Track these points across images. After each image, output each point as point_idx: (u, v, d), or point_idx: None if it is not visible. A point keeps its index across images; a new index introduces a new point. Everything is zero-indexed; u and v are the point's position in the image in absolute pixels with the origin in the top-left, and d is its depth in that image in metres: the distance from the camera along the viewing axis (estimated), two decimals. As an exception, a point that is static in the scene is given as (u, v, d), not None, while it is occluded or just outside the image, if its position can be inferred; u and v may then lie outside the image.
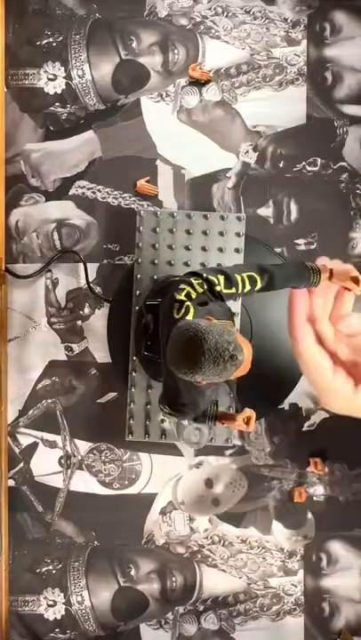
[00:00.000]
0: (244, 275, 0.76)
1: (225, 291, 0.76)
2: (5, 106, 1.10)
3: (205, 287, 0.75)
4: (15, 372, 1.10)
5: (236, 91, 1.10)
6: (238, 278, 0.76)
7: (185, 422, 0.94)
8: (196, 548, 1.10)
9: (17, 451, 1.10)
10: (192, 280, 0.75)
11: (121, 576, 1.10)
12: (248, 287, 0.76)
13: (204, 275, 0.76)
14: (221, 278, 0.76)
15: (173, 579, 1.10)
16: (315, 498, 1.09)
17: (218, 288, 0.75)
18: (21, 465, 1.10)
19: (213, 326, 0.67)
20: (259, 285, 0.76)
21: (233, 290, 0.76)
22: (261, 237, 1.06)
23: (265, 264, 0.80)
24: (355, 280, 0.75)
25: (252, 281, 0.76)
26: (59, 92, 1.10)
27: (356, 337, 0.46)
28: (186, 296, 0.74)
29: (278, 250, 1.08)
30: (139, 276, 1.02)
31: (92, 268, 1.10)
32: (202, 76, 1.06)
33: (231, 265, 0.81)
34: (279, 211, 1.10)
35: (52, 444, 1.10)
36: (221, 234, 1.02)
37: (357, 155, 1.09)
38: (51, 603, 1.11)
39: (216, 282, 0.75)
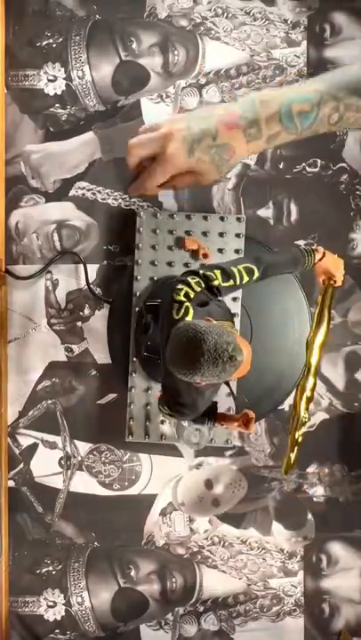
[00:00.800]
0: (240, 267, 0.77)
1: (223, 284, 0.76)
2: (5, 107, 1.10)
3: (203, 285, 0.76)
4: (15, 374, 1.10)
5: (236, 92, 1.10)
6: (235, 270, 0.77)
7: (185, 423, 0.95)
8: (196, 549, 1.10)
9: (17, 451, 1.10)
10: (189, 279, 0.75)
11: (121, 577, 1.10)
12: (246, 278, 0.77)
13: (201, 272, 0.76)
14: (218, 272, 0.76)
15: (173, 579, 1.10)
16: (315, 499, 1.09)
17: (216, 282, 0.76)
18: (21, 466, 1.10)
19: (213, 327, 0.67)
20: (256, 275, 0.77)
21: (231, 282, 0.77)
22: (261, 238, 1.06)
23: (260, 254, 0.81)
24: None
25: (249, 272, 0.77)
26: (59, 93, 1.10)
27: None
28: (185, 296, 0.74)
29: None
30: (139, 276, 1.02)
31: (92, 268, 1.10)
32: (199, 248, 1.02)
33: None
34: (279, 212, 1.10)
35: (52, 445, 1.10)
36: (221, 235, 1.02)
37: (357, 156, 1.09)
38: (51, 604, 1.11)
39: (213, 277, 0.76)
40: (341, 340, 1.10)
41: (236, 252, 1.03)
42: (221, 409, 0.95)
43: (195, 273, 0.77)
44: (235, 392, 0.99)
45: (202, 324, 0.67)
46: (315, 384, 0.93)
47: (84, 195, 1.11)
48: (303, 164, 1.10)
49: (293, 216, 1.10)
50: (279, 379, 1.04)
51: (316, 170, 1.10)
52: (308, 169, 1.10)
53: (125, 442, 1.00)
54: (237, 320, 1.01)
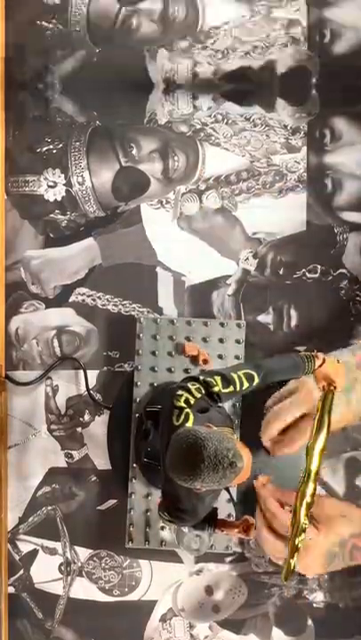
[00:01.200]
0: (240, 372, 0.77)
1: (224, 390, 0.76)
2: (5, 213, 1.10)
3: (203, 391, 0.76)
4: (15, 479, 1.10)
5: (236, 198, 1.10)
6: (235, 376, 0.77)
7: (185, 529, 0.95)
8: (197, 648, 1.10)
9: (17, 557, 1.10)
10: (189, 385, 0.76)
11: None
12: (246, 384, 0.77)
13: (201, 378, 0.76)
14: (218, 379, 0.76)
15: None
16: (315, 604, 1.09)
17: (216, 389, 0.76)
18: (21, 572, 1.10)
19: (213, 433, 0.68)
20: (256, 380, 0.77)
21: (231, 388, 0.76)
22: (262, 344, 1.07)
23: (259, 360, 0.81)
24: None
25: (249, 377, 0.77)
26: (59, 199, 1.11)
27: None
28: (185, 402, 0.74)
29: (278, 357, 1.08)
30: (139, 382, 1.02)
31: (92, 374, 1.10)
32: (199, 354, 1.02)
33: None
34: (279, 317, 1.10)
35: (52, 551, 1.10)
36: (221, 341, 1.02)
37: (357, 261, 1.09)
38: None
39: (214, 383, 0.76)
40: (341, 445, 1.10)
41: (237, 357, 1.03)
42: (221, 515, 0.95)
43: (195, 379, 0.77)
44: (235, 498, 0.99)
45: (202, 431, 0.67)
46: (315, 490, 0.93)
47: (84, 300, 1.11)
48: (303, 270, 1.10)
49: (293, 322, 1.10)
50: (279, 485, 1.04)
51: (317, 275, 1.10)
52: (309, 275, 1.10)
53: (125, 548, 1.01)
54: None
